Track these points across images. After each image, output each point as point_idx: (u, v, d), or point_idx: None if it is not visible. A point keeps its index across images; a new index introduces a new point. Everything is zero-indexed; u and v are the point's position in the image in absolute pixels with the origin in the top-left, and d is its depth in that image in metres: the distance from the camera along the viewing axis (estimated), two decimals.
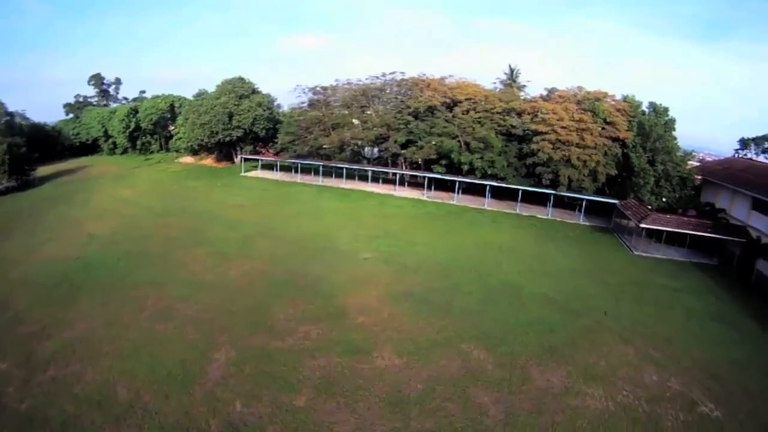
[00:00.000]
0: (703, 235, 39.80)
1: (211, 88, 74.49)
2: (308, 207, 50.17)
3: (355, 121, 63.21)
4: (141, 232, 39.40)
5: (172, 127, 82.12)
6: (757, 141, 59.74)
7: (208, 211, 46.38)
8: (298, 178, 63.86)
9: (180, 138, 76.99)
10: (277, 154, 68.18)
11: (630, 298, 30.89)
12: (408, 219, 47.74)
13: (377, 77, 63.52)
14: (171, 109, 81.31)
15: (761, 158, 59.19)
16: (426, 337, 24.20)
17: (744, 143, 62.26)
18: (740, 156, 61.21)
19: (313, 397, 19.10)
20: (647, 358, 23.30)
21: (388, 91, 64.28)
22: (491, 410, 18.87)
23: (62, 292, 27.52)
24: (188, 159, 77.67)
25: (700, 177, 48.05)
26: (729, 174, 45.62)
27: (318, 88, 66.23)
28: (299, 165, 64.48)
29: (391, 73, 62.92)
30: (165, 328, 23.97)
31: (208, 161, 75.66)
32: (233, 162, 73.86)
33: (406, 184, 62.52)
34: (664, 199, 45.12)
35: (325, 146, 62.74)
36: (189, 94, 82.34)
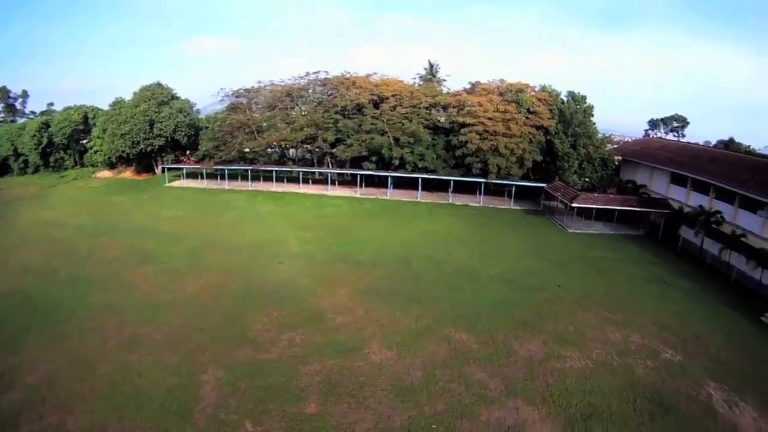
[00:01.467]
0: (631, 210, 44.77)
1: (125, 96, 69.59)
2: (246, 213, 48.78)
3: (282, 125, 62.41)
4: (78, 256, 35.98)
5: (86, 140, 75.14)
6: (666, 121, 68.45)
7: (144, 226, 43.48)
8: (226, 184, 61.66)
9: (97, 151, 71.19)
10: (199, 161, 65.27)
11: (576, 271, 34.22)
12: (349, 217, 48.25)
13: (301, 77, 63.14)
14: (85, 121, 74.63)
15: (670, 136, 68.05)
16: (407, 328, 25.05)
17: (654, 124, 70.81)
18: (652, 135, 69.23)
19: (322, 402, 19.00)
20: (606, 320, 26.22)
21: (311, 91, 63.97)
22: (491, 384, 20.31)
23: (9, 333, 24.25)
24: (106, 173, 71.90)
25: (619, 157, 53.64)
26: (647, 153, 50.95)
27: (241, 91, 64.32)
28: (226, 171, 62.16)
29: (314, 73, 62.81)
30: (138, 356, 22.15)
31: (128, 174, 70.49)
32: (154, 173, 69.60)
33: (336, 183, 62.72)
34: (587, 180, 50.14)
35: (252, 150, 61.11)
36: (98, 103, 76.77)
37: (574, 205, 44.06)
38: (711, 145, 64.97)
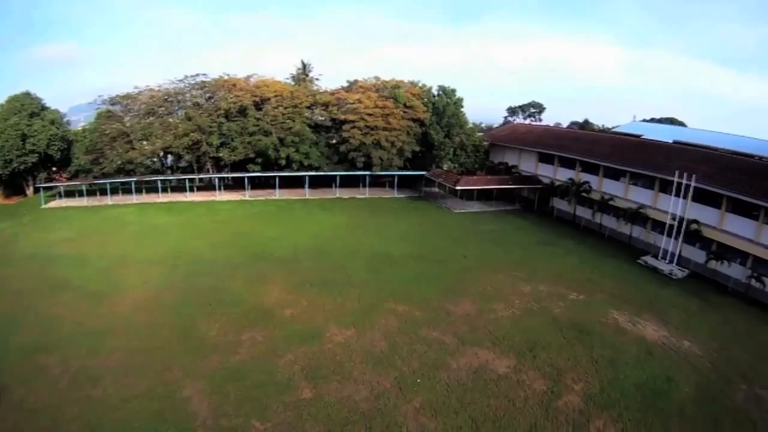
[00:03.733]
0: (507, 188, 52.27)
1: None
2: (142, 227, 45.91)
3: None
4: None
5: None
6: (524, 107, 79.22)
7: (39, 253, 38.46)
8: (109, 200, 56.24)
9: None
10: (72, 177, 58.76)
11: (474, 243, 40.36)
12: (246, 219, 48.63)
13: (179, 80, 60.18)
14: None
15: (527, 121, 78.66)
16: (353, 308, 27.98)
17: (512, 110, 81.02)
18: (512, 121, 78.82)
19: (314, 386, 20.69)
20: (515, 278, 32.40)
21: (189, 95, 61.25)
22: (446, 339, 24.62)
23: None
24: None
25: (487, 142, 61.19)
26: (515, 137, 58.98)
27: (117, 98, 58.99)
28: (108, 186, 56.68)
29: (192, 76, 60.38)
30: (102, 391, 20.30)
31: None
32: (26, 195, 60.18)
33: (222, 188, 61.52)
34: (460, 165, 57.54)
35: (131, 161, 57.05)
36: None
37: (458, 187, 50.50)
38: (563, 127, 75.59)
